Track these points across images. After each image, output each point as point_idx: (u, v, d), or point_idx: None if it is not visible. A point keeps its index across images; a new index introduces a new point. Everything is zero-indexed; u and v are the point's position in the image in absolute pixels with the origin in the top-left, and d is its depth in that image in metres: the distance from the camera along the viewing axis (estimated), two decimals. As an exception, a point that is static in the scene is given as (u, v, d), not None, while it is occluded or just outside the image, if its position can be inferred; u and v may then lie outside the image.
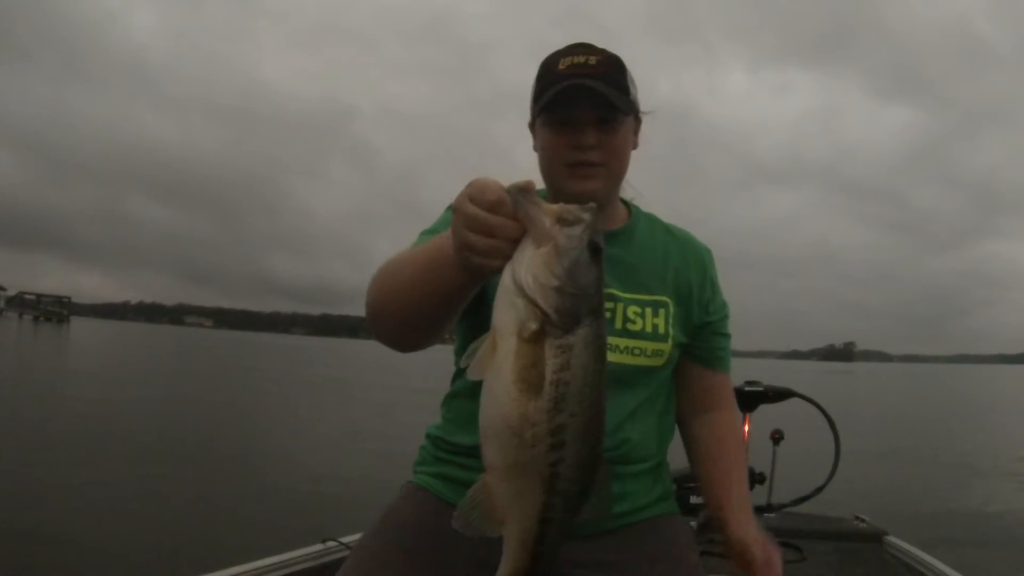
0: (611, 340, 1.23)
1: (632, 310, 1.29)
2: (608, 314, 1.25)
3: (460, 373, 1.37)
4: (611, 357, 1.16)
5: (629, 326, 1.28)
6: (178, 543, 4.81)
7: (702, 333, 1.37)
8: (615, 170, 1.28)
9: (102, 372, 21.79)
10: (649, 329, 1.29)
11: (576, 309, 0.74)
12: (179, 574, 3.61)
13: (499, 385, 0.73)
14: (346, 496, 6.42)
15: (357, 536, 1.48)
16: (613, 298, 1.28)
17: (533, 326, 0.73)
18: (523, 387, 0.73)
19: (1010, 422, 20.51)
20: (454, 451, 1.33)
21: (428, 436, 1.41)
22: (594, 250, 0.77)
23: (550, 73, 1.25)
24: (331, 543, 2.00)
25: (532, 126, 1.33)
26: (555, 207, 0.78)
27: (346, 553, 1.75)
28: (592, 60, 1.24)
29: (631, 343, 1.27)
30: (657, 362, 1.30)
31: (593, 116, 1.22)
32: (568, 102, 1.21)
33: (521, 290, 0.74)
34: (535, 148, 1.33)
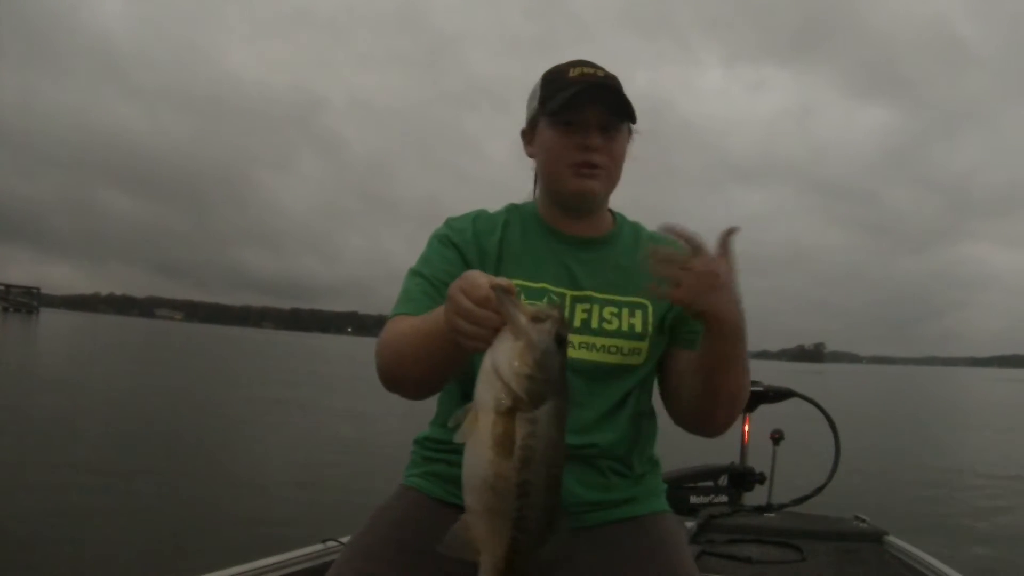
0: (588, 339, 1.32)
1: (608, 311, 1.34)
2: (584, 315, 1.34)
3: (454, 386, 1.41)
4: (588, 356, 1.32)
5: (605, 326, 1.33)
6: (177, 543, 4.83)
7: (682, 320, 1.37)
8: (613, 175, 1.36)
9: (77, 364, 21.57)
10: (625, 328, 1.34)
11: (542, 391, 0.94)
12: (178, 574, 3.59)
13: (479, 448, 0.93)
14: (346, 496, 6.42)
15: (354, 537, 1.49)
16: (590, 300, 1.35)
17: (507, 403, 0.93)
18: (498, 451, 0.92)
19: (997, 424, 20.89)
20: (442, 449, 1.37)
21: (416, 441, 1.46)
22: (559, 341, 0.96)
23: (561, 79, 1.34)
24: (331, 543, 2.01)
25: (527, 132, 1.42)
26: (531, 308, 0.97)
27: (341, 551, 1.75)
28: (600, 72, 1.35)
29: (607, 342, 1.33)
30: (635, 360, 1.34)
31: (599, 120, 1.32)
32: (583, 103, 1.31)
33: (500, 376, 0.93)
34: (529, 153, 1.42)
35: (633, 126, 1.40)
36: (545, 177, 1.39)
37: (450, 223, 1.43)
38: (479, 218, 1.43)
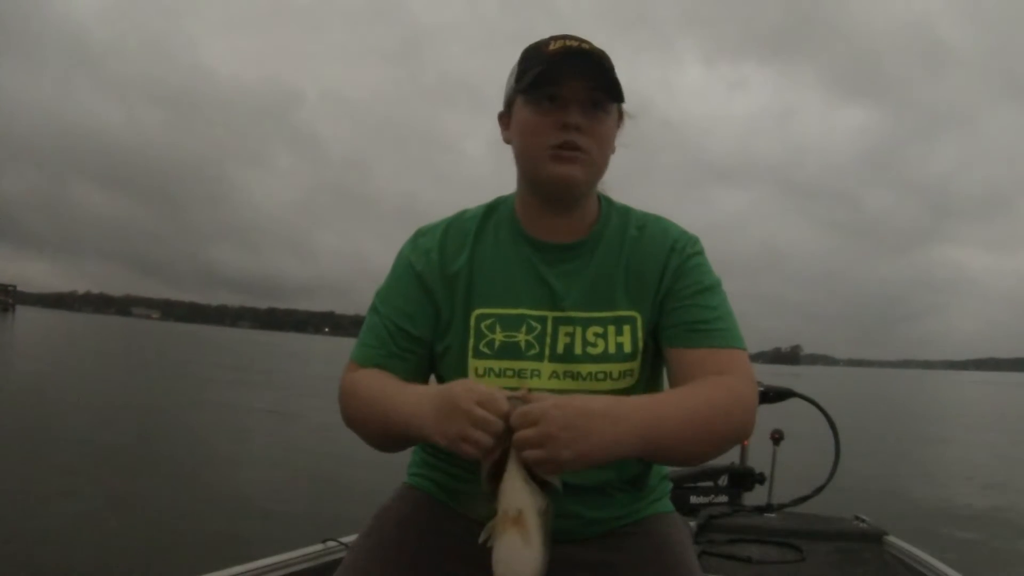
0: (572, 367, 1.24)
1: (593, 331, 1.25)
2: (567, 339, 1.25)
3: None
4: (575, 385, 1.24)
5: (590, 350, 1.24)
6: (176, 544, 4.86)
7: (667, 315, 1.26)
8: (597, 161, 1.24)
9: (57, 363, 21.43)
10: (612, 350, 1.24)
11: None
12: (180, 574, 3.61)
13: (532, 551, 1.00)
14: (346, 496, 6.44)
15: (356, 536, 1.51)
16: (571, 321, 1.26)
17: (544, 503, 1.03)
18: (545, 544, 1.01)
19: (987, 425, 21.10)
20: (442, 458, 1.36)
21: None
22: None
23: (539, 53, 1.22)
24: (331, 543, 2.04)
25: (504, 115, 1.31)
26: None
27: (346, 553, 1.77)
28: (585, 45, 1.21)
29: (594, 368, 1.24)
30: (627, 383, 1.25)
31: (584, 96, 1.20)
32: (562, 75, 1.19)
33: (540, 479, 1.03)
34: (505, 139, 1.30)
35: (627, 111, 1.31)
36: (521, 162, 1.28)
37: (417, 239, 1.35)
38: (450, 229, 1.34)
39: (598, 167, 1.25)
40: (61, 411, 10.93)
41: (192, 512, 5.81)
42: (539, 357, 1.24)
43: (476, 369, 1.25)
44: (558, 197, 1.27)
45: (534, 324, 1.25)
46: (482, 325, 1.26)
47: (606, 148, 1.25)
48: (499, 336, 1.25)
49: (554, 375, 1.24)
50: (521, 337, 1.25)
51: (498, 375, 1.24)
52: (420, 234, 1.35)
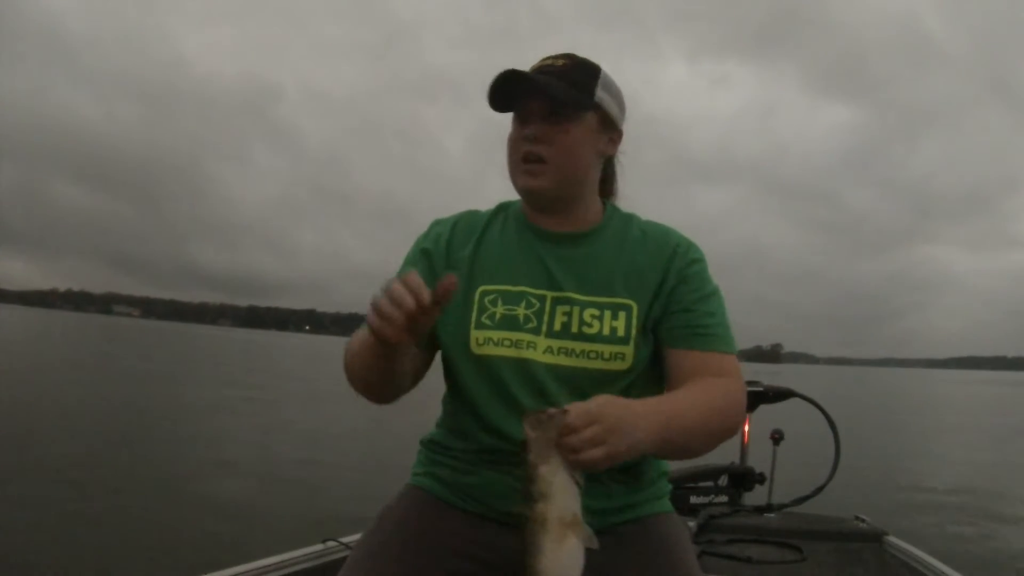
0: (567, 344, 1.32)
1: (589, 313, 1.33)
2: (564, 318, 1.33)
3: (448, 395, 1.45)
4: (568, 361, 1.32)
5: (585, 329, 1.32)
6: (177, 544, 4.87)
7: (670, 316, 1.35)
8: (564, 169, 1.34)
9: (47, 362, 21.33)
10: (607, 332, 1.32)
11: None
12: (179, 574, 3.62)
13: (580, 551, 1.03)
14: (346, 496, 6.47)
15: (357, 536, 1.53)
16: (570, 301, 1.34)
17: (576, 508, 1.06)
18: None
19: (980, 425, 21.25)
20: (448, 454, 1.40)
21: (422, 443, 1.49)
22: None
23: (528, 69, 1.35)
24: (331, 543, 2.06)
25: None
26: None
27: (346, 553, 1.80)
28: (560, 61, 1.35)
29: (587, 347, 1.31)
30: (618, 366, 1.31)
31: (542, 109, 1.32)
32: (502, 90, 1.31)
33: (579, 487, 1.06)
34: None
35: (623, 123, 1.42)
36: (509, 170, 1.40)
37: (432, 227, 1.46)
38: (461, 222, 1.45)
39: (567, 175, 1.35)
40: (51, 412, 10.86)
41: (192, 512, 5.83)
42: (536, 331, 1.33)
43: (476, 339, 1.34)
44: (533, 205, 1.41)
45: (533, 301, 1.34)
46: (485, 300, 1.36)
47: (573, 156, 1.34)
48: (500, 309, 1.34)
49: (548, 350, 1.32)
50: (520, 311, 1.34)
51: (496, 344, 1.33)
52: (435, 223, 1.47)
